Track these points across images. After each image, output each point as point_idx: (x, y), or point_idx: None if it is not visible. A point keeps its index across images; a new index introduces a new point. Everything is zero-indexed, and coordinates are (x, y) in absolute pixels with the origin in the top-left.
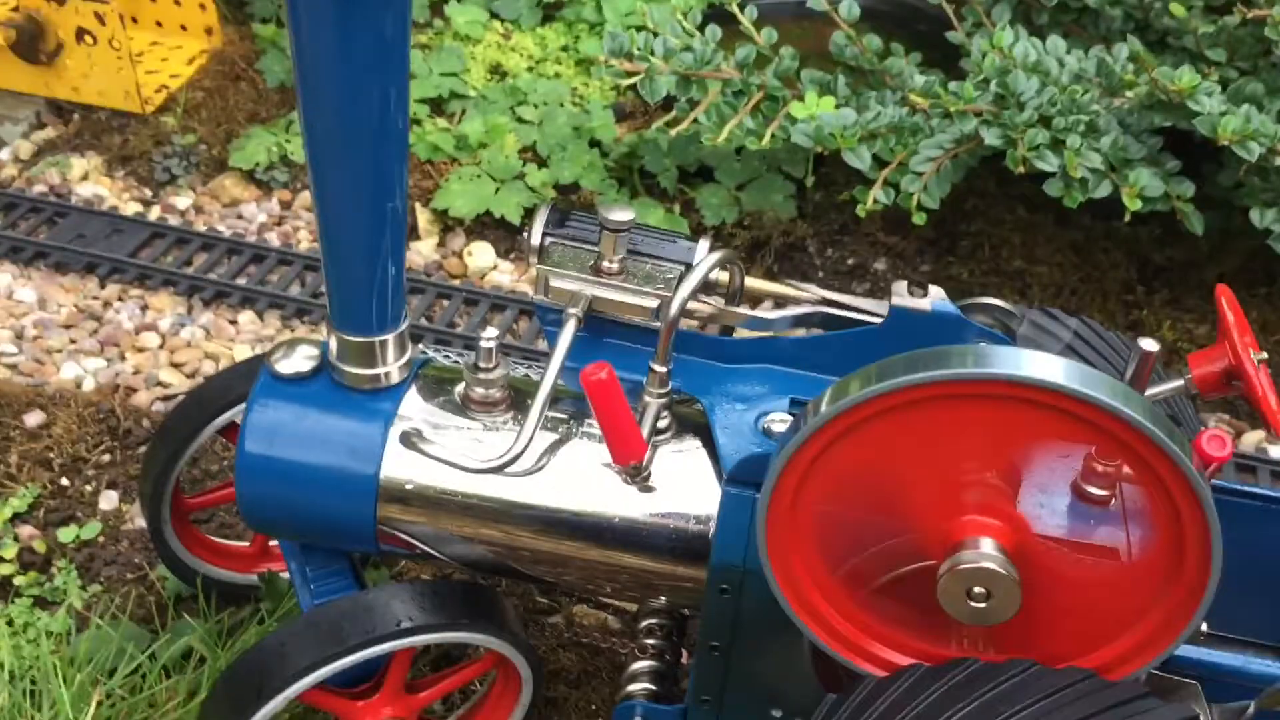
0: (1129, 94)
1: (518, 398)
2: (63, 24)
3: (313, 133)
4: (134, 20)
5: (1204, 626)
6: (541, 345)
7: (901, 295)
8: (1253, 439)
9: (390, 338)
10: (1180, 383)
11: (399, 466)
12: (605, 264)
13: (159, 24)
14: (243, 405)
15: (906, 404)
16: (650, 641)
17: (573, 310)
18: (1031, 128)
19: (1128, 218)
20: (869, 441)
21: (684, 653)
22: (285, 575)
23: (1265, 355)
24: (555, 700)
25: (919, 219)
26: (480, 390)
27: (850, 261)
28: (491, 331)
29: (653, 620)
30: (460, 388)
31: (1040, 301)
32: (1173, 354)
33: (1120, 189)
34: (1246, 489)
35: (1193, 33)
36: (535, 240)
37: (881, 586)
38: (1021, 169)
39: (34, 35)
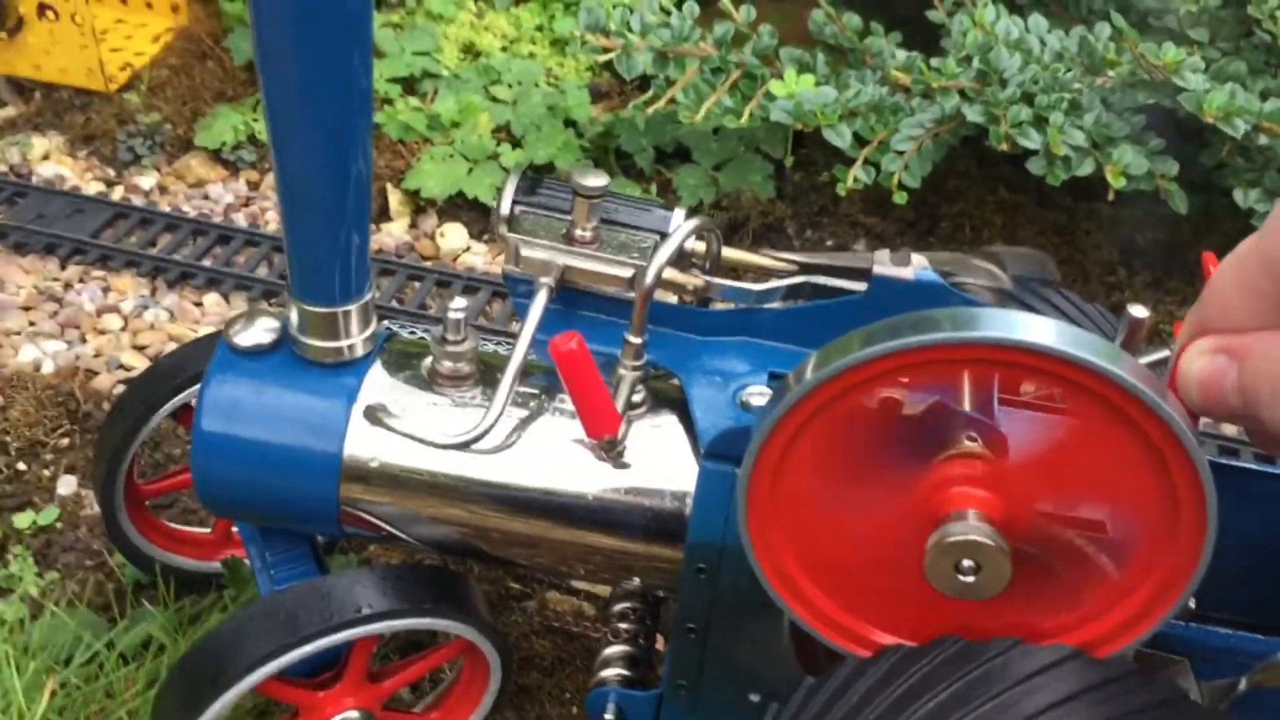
0: (1111, 72)
1: (487, 372)
2: None
3: (272, 91)
4: None
5: (1192, 604)
6: (515, 327)
7: (884, 264)
8: None
9: (354, 308)
10: (1166, 353)
11: (363, 443)
12: (578, 232)
13: (124, 0)
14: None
15: (893, 370)
16: (623, 625)
17: (544, 280)
18: (1014, 105)
19: (1111, 196)
20: (854, 411)
21: (658, 637)
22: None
23: None
24: (528, 688)
25: (900, 198)
26: (448, 364)
27: (829, 243)
28: (460, 302)
29: (626, 604)
30: (427, 362)
31: None
32: (1154, 338)
33: (1104, 166)
34: (1236, 464)
35: (1174, 12)
36: (505, 208)
37: (866, 563)
38: (1005, 146)
39: None
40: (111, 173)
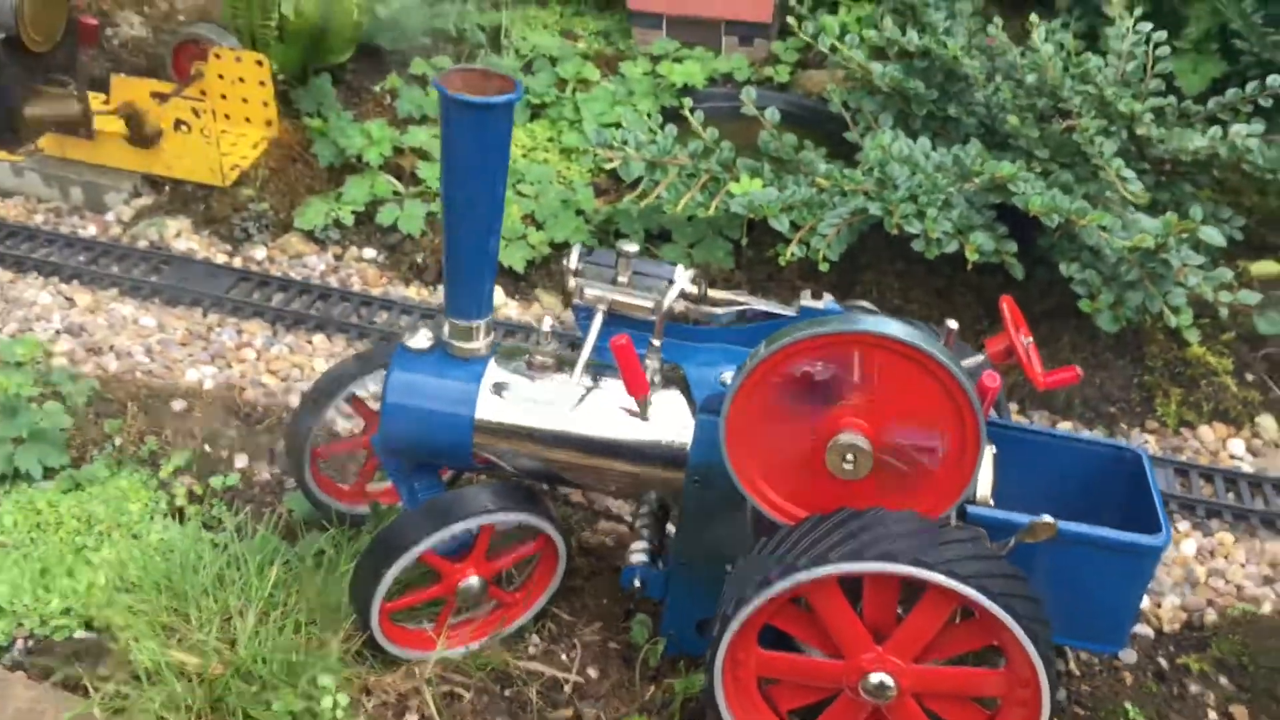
0: (975, 180)
1: (564, 364)
2: (164, 116)
3: (452, 194)
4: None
5: (991, 503)
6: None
7: (807, 299)
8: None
9: (483, 323)
10: (981, 358)
11: (487, 408)
12: (620, 278)
13: (227, 116)
14: (354, 385)
15: (808, 350)
16: (644, 529)
17: (600, 307)
18: (903, 202)
19: (969, 267)
20: (786, 377)
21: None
22: (384, 506)
23: (1031, 339)
24: (573, 589)
25: (824, 268)
26: (540, 359)
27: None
28: (548, 321)
29: (644, 517)
30: (526, 358)
31: None
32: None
33: (965, 246)
34: (1010, 425)
35: (1025, 136)
36: (574, 264)
37: (795, 467)
38: (895, 231)
39: (137, 125)
40: (229, 247)
